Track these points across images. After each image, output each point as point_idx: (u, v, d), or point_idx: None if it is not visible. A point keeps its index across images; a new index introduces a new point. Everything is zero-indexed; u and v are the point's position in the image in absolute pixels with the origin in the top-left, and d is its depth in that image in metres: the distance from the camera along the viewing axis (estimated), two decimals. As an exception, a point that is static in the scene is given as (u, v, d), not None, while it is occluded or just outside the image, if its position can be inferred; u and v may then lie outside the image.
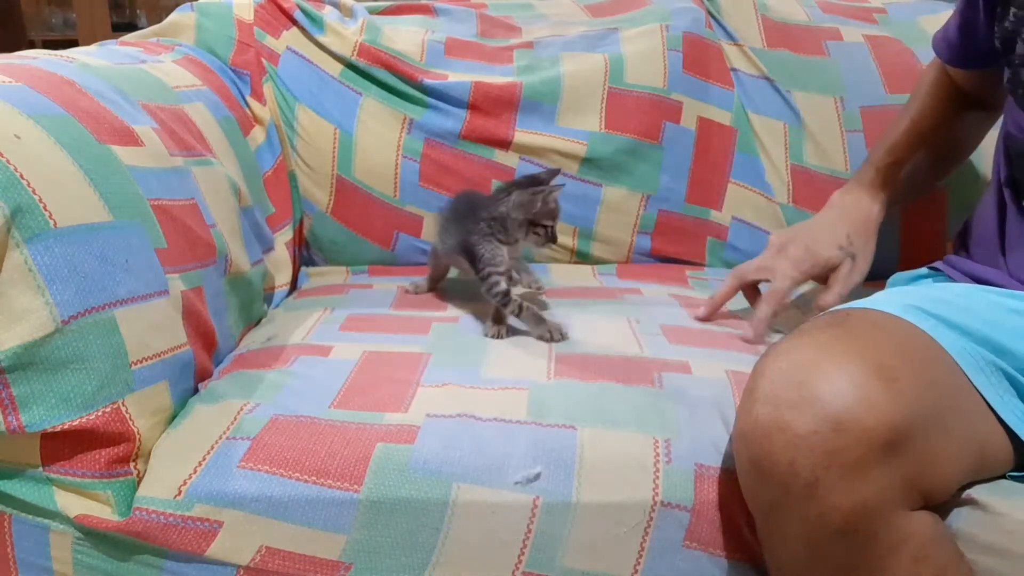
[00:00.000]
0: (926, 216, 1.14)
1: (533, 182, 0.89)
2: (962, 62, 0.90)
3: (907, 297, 0.66)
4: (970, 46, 0.86)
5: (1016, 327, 0.64)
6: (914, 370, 0.56)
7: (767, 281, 0.90)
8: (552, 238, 0.87)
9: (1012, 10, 0.73)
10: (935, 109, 0.94)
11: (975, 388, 0.60)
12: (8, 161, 0.60)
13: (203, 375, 0.77)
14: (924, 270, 0.83)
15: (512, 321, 0.85)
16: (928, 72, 0.97)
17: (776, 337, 0.87)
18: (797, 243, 0.90)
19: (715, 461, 0.66)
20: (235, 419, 0.69)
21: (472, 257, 0.87)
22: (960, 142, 0.99)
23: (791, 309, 0.94)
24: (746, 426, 0.56)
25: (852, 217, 0.91)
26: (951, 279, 0.78)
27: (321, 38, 1.18)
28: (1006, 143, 0.79)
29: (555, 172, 0.91)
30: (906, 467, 0.54)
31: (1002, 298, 0.68)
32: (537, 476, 0.64)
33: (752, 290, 0.93)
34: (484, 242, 0.86)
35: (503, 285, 0.85)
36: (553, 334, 0.82)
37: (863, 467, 0.53)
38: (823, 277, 0.89)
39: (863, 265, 0.89)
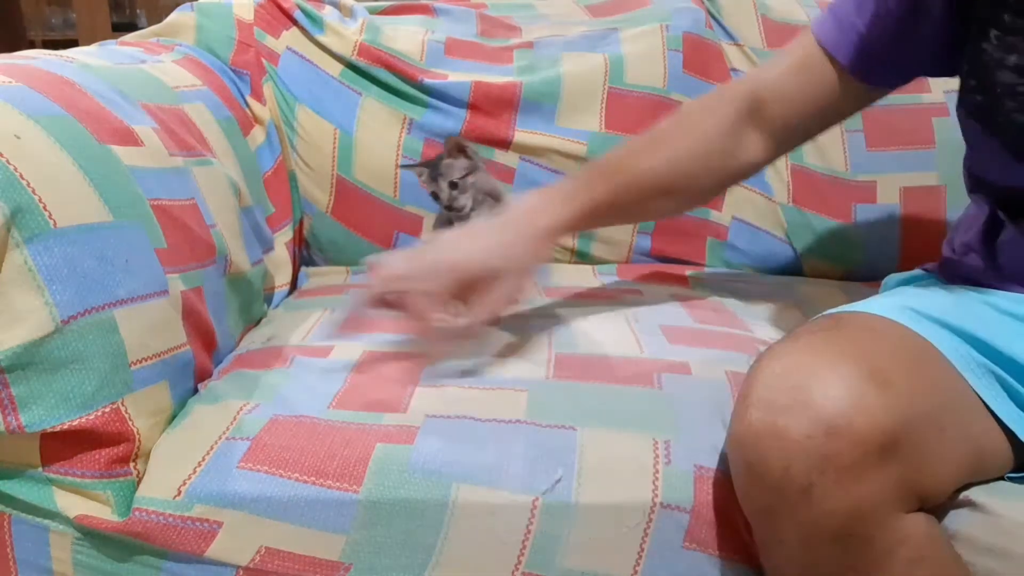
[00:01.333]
0: (926, 215, 1.14)
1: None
2: (869, 74, 0.77)
3: (901, 300, 0.65)
4: (891, 57, 0.75)
5: (1009, 329, 0.64)
6: (909, 373, 0.56)
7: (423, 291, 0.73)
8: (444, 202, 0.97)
9: (993, 32, 0.66)
10: (717, 128, 0.82)
11: (972, 390, 0.60)
12: (8, 161, 0.60)
13: (203, 375, 0.77)
14: (918, 271, 0.83)
15: None
16: (721, 91, 0.86)
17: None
18: (443, 244, 0.76)
19: (715, 462, 0.66)
20: (235, 419, 0.69)
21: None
22: (733, 170, 0.84)
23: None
24: (740, 431, 0.56)
25: (518, 226, 0.76)
26: (945, 281, 0.78)
27: (321, 38, 1.18)
28: (975, 184, 0.75)
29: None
30: (902, 470, 0.54)
31: (995, 300, 0.68)
32: (560, 479, 0.64)
33: (465, 290, 0.75)
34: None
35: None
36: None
37: (858, 471, 0.52)
38: (464, 294, 0.74)
39: (515, 282, 0.75)
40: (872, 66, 0.76)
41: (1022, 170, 0.68)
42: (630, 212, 0.88)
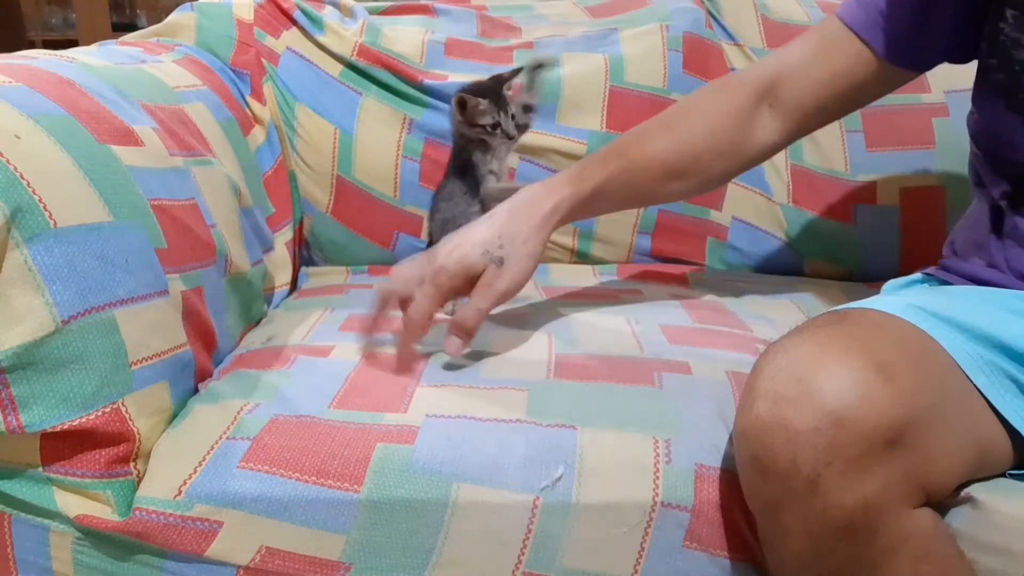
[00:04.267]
0: (925, 216, 1.14)
1: (494, 81, 0.92)
2: (895, 55, 0.78)
3: (905, 297, 0.66)
4: (918, 40, 0.77)
5: (1015, 326, 0.64)
6: (914, 368, 0.56)
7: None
8: (503, 134, 0.90)
9: (1010, 11, 0.70)
10: (730, 112, 0.83)
11: (974, 387, 0.61)
12: (8, 161, 0.60)
13: (203, 375, 0.77)
14: (918, 275, 0.83)
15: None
16: (740, 75, 0.87)
17: None
18: (448, 242, 0.77)
19: (715, 461, 0.66)
20: (235, 419, 0.69)
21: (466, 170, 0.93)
22: (749, 154, 0.86)
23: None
24: (746, 423, 0.57)
25: (519, 215, 0.77)
26: (946, 283, 0.78)
27: (321, 38, 1.18)
28: (991, 163, 0.76)
29: (518, 70, 0.93)
30: (908, 464, 0.54)
31: (1000, 297, 0.68)
32: (560, 477, 0.64)
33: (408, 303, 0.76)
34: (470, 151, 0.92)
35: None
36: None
37: (865, 463, 0.53)
38: (465, 288, 0.75)
39: (513, 274, 0.75)
40: (897, 46, 0.77)
41: None
42: (639, 195, 0.88)
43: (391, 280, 0.77)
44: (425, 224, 1.01)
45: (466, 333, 0.75)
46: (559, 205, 0.78)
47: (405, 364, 0.75)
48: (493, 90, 0.91)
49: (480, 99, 0.89)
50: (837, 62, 0.80)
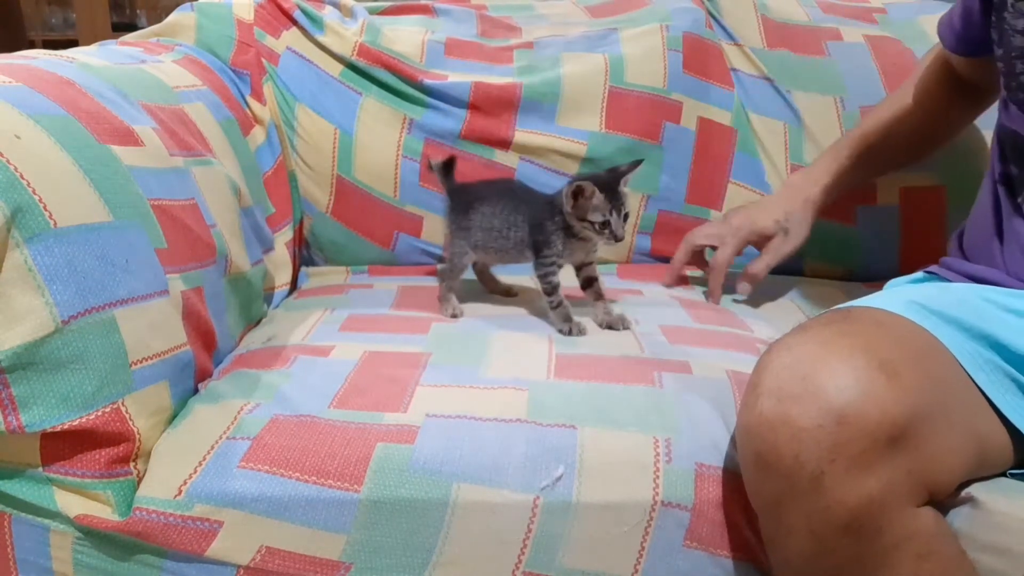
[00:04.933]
0: (926, 216, 1.14)
1: (611, 174, 0.87)
2: (962, 49, 0.90)
3: (908, 296, 0.66)
4: (970, 35, 0.87)
5: (1016, 325, 0.64)
6: (916, 366, 0.56)
7: (712, 248, 1.03)
8: (610, 235, 0.85)
9: (1010, 2, 0.73)
10: (926, 90, 0.98)
11: (975, 385, 0.61)
12: (8, 161, 0.60)
13: (203, 375, 0.77)
14: (920, 274, 0.83)
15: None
16: (927, 54, 0.99)
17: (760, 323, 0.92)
18: (741, 213, 1.02)
19: (715, 460, 0.66)
20: (235, 419, 0.69)
21: (539, 244, 0.88)
22: (943, 125, 1.02)
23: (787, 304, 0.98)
24: (750, 420, 0.57)
25: (794, 197, 1.01)
26: (948, 280, 0.79)
27: (321, 38, 1.18)
28: (1000, 138, 0.80)
29: (634, 164, 0.88)
30: (911, 461, 0.54)
31: (1001, 297, 0.68)
32: (560, 477, 0.64)
33: (699, 255, 1.06)
34: (557, 232, 0.87)
35: (556, 278, 0.88)
36: (573, 329, 0.86)
37: (868, 460, 0.53)
38: (759, 245, 1.01)
39: (795, 240, 0.99)
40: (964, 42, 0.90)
41: None
42: (873, 166, 1.04)
43: (694, 236, 1.03)
44: (444, 229, 0.97)
45: (755, 280, 1.00)
46: (821, 194, 1.00)
47: (716, 298, 1.00)
48: (609, 184, 0.84)
49: (598, 191, 0.83)
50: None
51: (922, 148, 1.04)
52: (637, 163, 0.88)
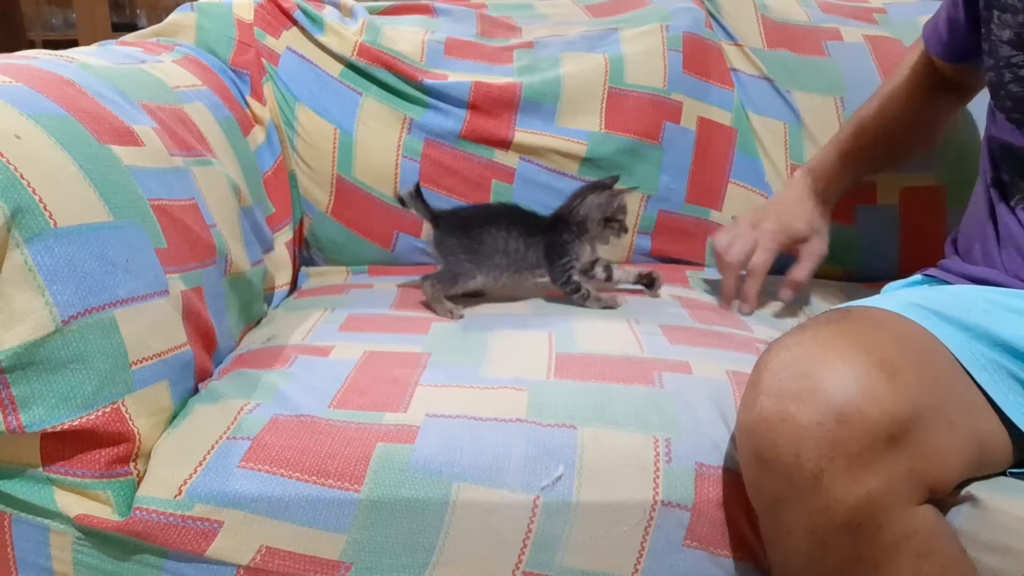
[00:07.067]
0: (925, 216, 1.14)
1: (597, 187, 0.98)
2: (949, 56, 0.91)
3: (907, 296, 0.66)
4: (956, 43, 0.88)
5: (1015, 324, 0.64)
6: (916, 365, 0.57)
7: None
8: (624, 228, 0.98)
9: (995, 14, 0.74)
10: (908, 90, 0.98)
11: (976, 384, 0.61)
12: (8, 161, 0.60)
13: (203, 375, 0.77)
14: (918, 277, 0.83)
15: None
16: (909, 53, 1.00)
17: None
18: (771, 218, 0.98)
19: (716, 460, 0.66)
20: (235, 419, 0.69)
21: (554, 256, 0.96)
22: (927, 124, 1.03)
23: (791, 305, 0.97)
24: (750, 419, 0.57)
25: (810, 196, 1.00)
26: (946, 283, 0.79)
27: (321, 38, 1.18)
28: (990, 145, 0.80)
29: (615, 178, 1.00)
30: (910, 460, 0.54)
31: (1000, 296, 0.68)
32: (560, 477, 0.64)
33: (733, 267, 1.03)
34: (575, 242, 0.96)
35: (576, 277, 0.96)
36: (611, 302, 0.95)
37: (868, 459, 0.53)
38: (794, 250, 0.98)
39: (827, 240, 0.98)
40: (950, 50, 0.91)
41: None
42: (878, 160, 1.03)
43: (730, 256, 0.97)
44: (432, 251, 0.97)
45: (800, 287, 0.97)
46: (835, 196, 1.01)
47: (752, 303, 0.96)
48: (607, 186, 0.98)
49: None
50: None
51: (919, 136, 1.04)
52: (615, 179, 0.99)
